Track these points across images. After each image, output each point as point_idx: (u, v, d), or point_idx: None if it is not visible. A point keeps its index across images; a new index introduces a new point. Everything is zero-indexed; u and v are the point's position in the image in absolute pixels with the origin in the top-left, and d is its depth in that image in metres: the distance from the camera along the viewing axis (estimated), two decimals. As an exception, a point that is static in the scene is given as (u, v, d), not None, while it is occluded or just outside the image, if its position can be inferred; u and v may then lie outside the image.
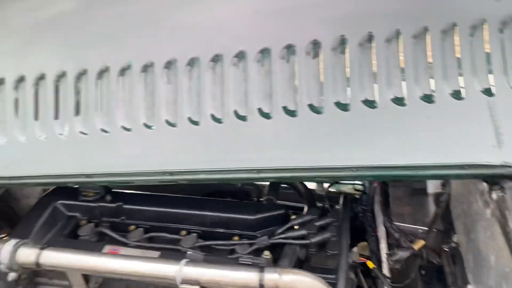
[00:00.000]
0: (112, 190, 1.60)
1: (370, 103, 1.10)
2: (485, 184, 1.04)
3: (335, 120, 1.10)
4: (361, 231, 1.59)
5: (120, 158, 1.24)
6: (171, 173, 1.19)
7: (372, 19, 1.12)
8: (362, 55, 1.12)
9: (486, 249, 1.06)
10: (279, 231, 1.37)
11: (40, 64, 1.28)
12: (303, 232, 1.36)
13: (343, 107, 1.11)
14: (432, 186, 1.49)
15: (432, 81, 1.07)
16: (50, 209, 1.55)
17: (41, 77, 1.28)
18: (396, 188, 1.63)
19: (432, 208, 1.49)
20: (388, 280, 1.36)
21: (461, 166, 1.00)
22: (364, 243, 1.58)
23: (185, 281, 1.13)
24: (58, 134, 1.28)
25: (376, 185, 1.62)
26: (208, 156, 1.18)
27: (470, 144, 1.03)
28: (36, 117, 1.30)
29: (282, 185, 1.68)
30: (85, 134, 1.26)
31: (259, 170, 1.12)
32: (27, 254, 1.22)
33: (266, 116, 1.15)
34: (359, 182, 1.87)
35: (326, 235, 1.35)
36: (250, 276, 1.11)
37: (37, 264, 1.21)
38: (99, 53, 1.26)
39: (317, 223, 1.38)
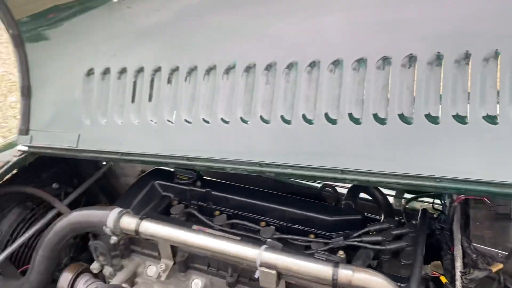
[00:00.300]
0: (203, 177, 1.76)
1: (460, 119, 1.12)
2: None
3: (423, 131, 1.14)
4: (436, 249, 1.59)
5: (217, 146, 1.38)
6: (260, 165, 1.30)
7: (471, 39, 1.15)
8: (457, 72, 1.15)
9: None
10: (355, 234, 1.43)
11: (158, 58, 1.47)
12: (379, 238, 1.40)
13: (433, 119, 1.15)
14: (517, 210, 1.47)
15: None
16: (148, 187, 1.74)
17: (158, 70, 1.47)
18: (478, 210, 1.60)
19: (515, 234, 1.46)
20: (461, 299, 1.35)
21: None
22: (437, 262, 1.58)
23: (263, 264, 1.22)
24: (167, 120, 1.45)
25: (457, 205, 1.61)
26: (296, 152, 1.27)
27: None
28: (149, 104, 1.48)
29: (360, 194, 1.73)
30: (189, 122, 1.42)
31: (343, 171, 1.20)
32: (129, 222, 1.40)
33: (356, 121, 1.22)
34: (438, 202, 1.86)
35: (401, 243, 1.38)
36: (324, 269, 1.17)
37: (136, 232, 1.38)
38: (209, 53, 1.41)
39: (393, 232, 1.42)
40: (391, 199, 1.90)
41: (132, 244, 1.58)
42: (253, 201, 1.61)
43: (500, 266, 1.37)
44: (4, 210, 1.76)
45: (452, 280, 1.40)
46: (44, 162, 1.84)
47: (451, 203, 1.65)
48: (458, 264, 1.45)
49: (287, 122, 1.31)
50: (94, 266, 1.55)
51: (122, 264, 1.55)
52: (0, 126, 5.16)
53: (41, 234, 1.67)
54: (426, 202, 1.99)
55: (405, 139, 1.16)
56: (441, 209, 1.80)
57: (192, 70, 1.42)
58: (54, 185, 1.95)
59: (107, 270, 1.54)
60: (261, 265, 1.22)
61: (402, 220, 1.57)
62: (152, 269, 1.54)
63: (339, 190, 1.80)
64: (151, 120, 1.47)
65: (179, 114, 1.43)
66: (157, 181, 1.75)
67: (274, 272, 1.21)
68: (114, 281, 1.48)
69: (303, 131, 1.28)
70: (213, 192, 1.67)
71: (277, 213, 1.57)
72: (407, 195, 1.92)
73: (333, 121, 1.25)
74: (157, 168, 1.88)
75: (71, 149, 1.55)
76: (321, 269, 1.18)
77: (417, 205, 1.91)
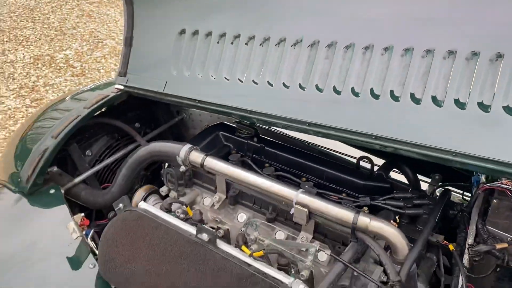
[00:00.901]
0: (260, 135, 2.05)
1: (484, 107, 1.33)
2: None
3: (449, 113, 1.36)
4: (454, 229, 1.79)
5: (275, 105, 1.66)
6: (308, 124, 1.57)
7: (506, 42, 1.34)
8: (489, 68, 1.34)
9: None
10: (381, 198, 1.66)
11: (238, 26, 1.76)
12: (401, 203, 1.62)
13: (460, 105, 1.36)
14: (537, 206, 1.63)
15: None
16: (213, 136, 2.06)
17: (237, 36, 1.77)
18: (499, 201, 1.77)
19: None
20: (465, 268, 1.55)
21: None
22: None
23: (298, 203, 1.50)
24: (238, 79, 1.75)
25: (480, 192, 1.79)
26: (340, 117, 1.52)
27: None
28: (226, 63, 1.78)
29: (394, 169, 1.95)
30: (256, 83, 1.71)
31: (376, 137, 1.44)
32: (196, 156, 1.72)
33: (396, 98, 1.45)
34: (468, 194, 2.04)
35: (419, 211, 1.60)
36: (347, 214, 1.43)
37: (201, 165, 1.70)
38: (282, 27, 1.68)
39: (415, 201, 1.64)
40: (425, 186, 2.10)
41: (195, 177, 1.91)
42: (298, 159, 1.89)
43: (505, 245, 1.55)
44: (97, 136, 2.16)
45: (461, 254, 1.61)
46: (131, 104, 2.22)
47: (476, 191, 1.84)
48: (469, 240, 1.66)
49: (337, 92, 1.56)
50: (163, 189, 1.90)
51: (185, 191, 1.89)
52: (86, 77, 5.77)
53: (122, 160, 2.05)
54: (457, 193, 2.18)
55: (433, 117, 1.38)
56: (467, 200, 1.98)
57: (265, 39, 1.70)
58: (136, 125, 2.33)
59: (172, 194, 1.88)
60: (296, 203, 1.50)
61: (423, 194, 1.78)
62: (207, 200, 1.86)
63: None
64: (225, 78, 1.78)
65: (249, 75, 1.72)
66: (221, 132, 2.07)
67: (306, 210, 1.48)
68: (143, 204, 1.79)
69: (349, 101, 1.53)
70: (266, 148, 1.96)
71: (317, 172, 1.84)
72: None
73: (376, 96, 1.49)
74: (221, 122, 2.20)
75: (159, 92, 1.90)
76: (344, 213, 1.43)
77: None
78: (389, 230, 1.39)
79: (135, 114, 2.34)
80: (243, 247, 1.45)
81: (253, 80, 1.72)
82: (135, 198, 1.89)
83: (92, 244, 1.64)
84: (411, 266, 1.38)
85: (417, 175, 1.95)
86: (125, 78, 2.00)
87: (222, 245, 1.43)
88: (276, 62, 1.69)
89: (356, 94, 1.53)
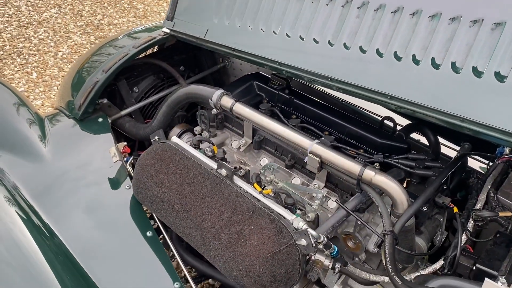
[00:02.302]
0: (291, 87, 2.16)
1: (500, 77, 1.35)
2: None
3: (466, 80, 1.39)
4: (467, 194, 1.85)
5: (304, 59, 1.74)
6: (331, 80, 1.65)
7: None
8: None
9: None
10: (395, 157, 1.74)
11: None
12: (412, 163, 1.70)
13: (477, 73, 1.39)
14: (550, 182, 1.65)
15: None
16: (247, 84, 2.19)
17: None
18: (524, 172, 1.79)
19: (542, 198, 1.65)
20: (469, 232, 1.62)
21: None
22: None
23: (312, 152, 1.62)
24: (273, 32, 1.84)
25: (499, 163, 1.82)
26: (361, 75, 1.59)
27: None
28: (263, 16, 1.88)
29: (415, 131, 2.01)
30: (288, 36, 1.80)
31: (391, 97, 1.51)
32: (227, 101, 1.87)
33: (417, 62, 1.50)
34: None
35: (429, 172, 1.67)
36: (354, 166, 1.53)
37: (230, 109, 1.85)
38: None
39: (427, 163, 1.71)
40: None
41: (226, 121, 2.07)
42: (323, 113, 1.99)
43: (509, 213, 1.61)
44: (145, 75, 2.36)
45: (468, 218, 1.68)
46: (178, 48, 2.38)
47: (496, 161, 1.86)
48: (477, 206, 1.71)
49: (363, 51, 1.62)
50: (197, 129, 2.09)
51: (216, 133, 2.06)
52: (147, 19, 6.00)
53: (165, 99, 2.25)
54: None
55: (449, 83, 1.42)
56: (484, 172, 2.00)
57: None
58: (181, 68, 2.50)
59: (204, 134, 2.06)
60: (310, 152, 1.63)
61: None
62: (235, 143, 2.02)
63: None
64: (261, 29, 1.88)
65: (283, 28, 1.81)
66: (255, 82, 2.19)
67: (318, 159, 1.61)
68: (175, 138, 1.95)
69: (372, 61, 1.59)
70: (295, 100, 2.07)
71: (340, 127, 1.93)
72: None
73: (398, 58, 1.55)
74: (257, 72, 2.32)
75: (200, 38, 2.04)
76: (352, 165, 1.54)
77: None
78: (391, 185, 1.49)
79: (181, 57, 2.50)
80: (255, 185, 1.61)
81: (286, 34, 1.81)
82: (171, 133, 2.10)
83: (130, 168, 1.87)
84: (407, 220, 1.48)
85: (439, 139, 1.99)
86: (171, 23, 2.15)
87: (238, 181, 1.60)
88: (309, 17, 1.76)
89: (380, 55, 1.58)
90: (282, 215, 1.46)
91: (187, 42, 2.19)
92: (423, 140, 2.13)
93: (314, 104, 2.04)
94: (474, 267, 1.53)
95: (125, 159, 1.91)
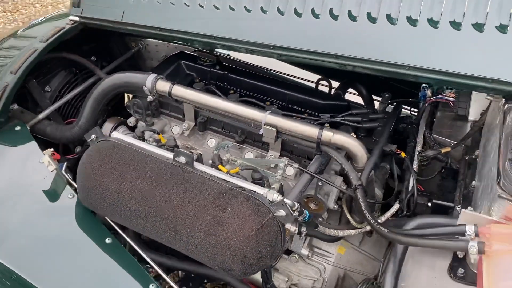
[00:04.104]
0: (221, 63, 2.09)
1: (433, 23, 1.45)
2: (503, 100, 1.39)
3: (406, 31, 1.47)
4: (404, 139, 1.98)
5: (238, 30, 1.68)
6: (273, 47, 1.63)
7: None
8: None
9: (490, 150, 1.43)
10: (341, 115, 1.80)
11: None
12: (358, 118, 1.77)
13: (412, 22, 1.47)
14: (472, 114, 1.82)
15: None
16: (175, 65, 2.08)
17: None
18: (443, 112, 1.96)
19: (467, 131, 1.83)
20: (415, 172, 1.75)
21: (487, 79, 1.34)
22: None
23: (267, 123, 1.60)
24: (198, 5, 1.75)
25: (427, 105, 1.97)
26: (302, 39, 1.59)
27: (501, 67, 1.35)
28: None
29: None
30: (217, 8, 1.72)
31: (337, 56, 1.54)
32: (163, 85, 1.75)
33: (353, 18, 1.54)
34: (415, 110, 2.23)
35: (374, 124, 1.76)
36: (312, 130, 1.55)
37: (169, 93, 1.74)
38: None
39: (370, 116, 1.79)
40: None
41: (161, 107, 1.94)
42: (261, 84, 1.96)
43: (448, 149, 1.77)
44: (54, 71, 2.11)
45: (411, 160, 1.80)
46: (85, 37, 2.15)
47: (423, 104, 2.02)
48: (418, 148, 1.85)
49: (298, 15, 1.62)
50: (131, 120, 1.93)
51: (153, 121, 1.93)
52: (20, 13, 5.37)
53: (84, 95, 2.04)
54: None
55: (388, 35, 1.49)
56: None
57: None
58: (93, 58, 2.28)
59: (140, 125, 1.92)
60: (265, 124, 1.60)
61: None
62: (176, 129, 1.92)
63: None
64: (185, 4, 1.77)
65: (209, 1, 1.73)
66: (183, 61, 2.09)
67: (274, 129, 1.59)
68: (117, 133, 1.82)
69: (310, 23, 1.60)
70: (229, 75, 2.01)
71: (280, 95, 1.93)
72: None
73: (335, 17, 1.57)
74: (181, 51, 2.20)
75: (117, 22, 1.86)
76: (310, 130, 1.56)
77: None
78: (350, 142, 1.54)
79: (90, 47, 2.28)
80: (220, 166, 1.55)
81: (214, 5, 1.73)
82: (103, 130, 1.92)
83: (67, 175, 1.68)
84: (370, 171, 1.55)
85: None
86: (79, 9, 1.93)
87: (199, 166, 1.52)
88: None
89: (316, 16, 1.59)
90: (254, 191, 1.43)
91: (95, 30, 1.99)
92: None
93: (250, 76, 2.01)
94: (430, 204, 1.67)
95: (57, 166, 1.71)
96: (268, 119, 1.60)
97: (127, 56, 2.38)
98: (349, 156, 1.58)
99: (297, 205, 1.44)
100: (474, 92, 1.77)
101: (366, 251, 1.95)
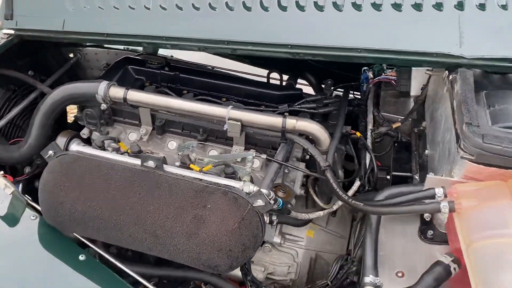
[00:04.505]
0: (170, 63, 2.07)
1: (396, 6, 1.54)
2: (446, 72, 1.52)
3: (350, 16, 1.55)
4: (355, 120, 2.09)
5: (188, 29, 1.68)
6: (227, 42, 1.64)
7: None
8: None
9: (440, 118, 1.55)
10: (297, 103, 1.86)
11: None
12: (314, 105, 1.84)
13: (357, 7, 1.56)
14: (414, 89, 1.97)
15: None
16: (122, 71, 2.02)
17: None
18: (386, 91, 2.10)
19: (411, 106, 1.98)
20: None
21: (432, 54, 1.46)
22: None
23: (231, 118, 1.62)
24: (144, 6, 1.72)
25: (371, 86, 2.09)
26: (255, 33, 1.62)
27: (442, 41, 1.48)
28: None
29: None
30: (165, 9, 1.70)
31: (292, 46, 1.58)
32: (117, 91, 1.70)
33: (301, 8, 1.60)
34: (357, 93, 2.36)
35: (329, 108, 1.84)
36: (276, 119, 1.59)
37: (125, 99, 1.70)
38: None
39: (324, 101, 1.87)
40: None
41: (115, 115, 1.89)
42: (214, 81, 1.97)
43: (398, 124, 1.90)
44: (-10, 90, 1.97)
45: (365, 139, 1.91)
46: (19, 51, 2.03)
47: (367, 85, 2.14)
48: (370, 126, 1.96)
49: (248, 8, 1.64)
50: (84, 132, 1.86)
51: (108, 130, 1.87)
52: None
53: (27, 112, 1.93)
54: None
55: (336, 22, 1.57)
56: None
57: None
58: (30, 72, 2.15)
59: (95, 136, 1.85)
60: (229, 119, 1.62)
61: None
62: (132, 135, 1.87)
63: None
64: (130, 6, 1.73)
65: (155, 2, 1.71)
66: (130, 66, 2.04)
67: (239, 123, 1.61)
68: (75, 146, 1.74)
69: (260, 15, 1.63)
70: (181, 75, 2.00)
71: (235, 90, 1.95)
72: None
73: (283, 8, 1.62)
74: (126, 56, 2.15)
75: (59, 31, 1.78)
76: (274, 120, 1.60)
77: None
78: (313, 126, 1.60)
79: (26, 61, 2.14)
80: (192, 165, 1.54)
81: (160, 5, 1.71)
82: (56, 145, 1.82)
83: (26, 197, 1.59)
84: (335, 152, 1.62)
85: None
86: (13, 21, 1.82)
87: (170, 168, 1.50)
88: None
89: (265, 9, 1.63)
90: (230, 186, 1.45)
91: (29, 43, 1.89)
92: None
93: (201, 75, 2.01)
94: (389, 176, 1.78)
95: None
96: (231, 114, 1.61)
97: (67, 67, 2.27)
98: (313, 141, 1.64)
99: (272, 193, 1.48)
100: (413, 69, 1.92)
101: (332, 230, 2.04)
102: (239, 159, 1.69)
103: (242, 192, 1.43)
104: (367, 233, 1.41)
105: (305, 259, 1.98)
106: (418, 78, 1.93)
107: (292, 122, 1.59)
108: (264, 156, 1.67)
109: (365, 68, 2.20)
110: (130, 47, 2.35)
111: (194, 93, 1.96)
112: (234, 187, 1.44)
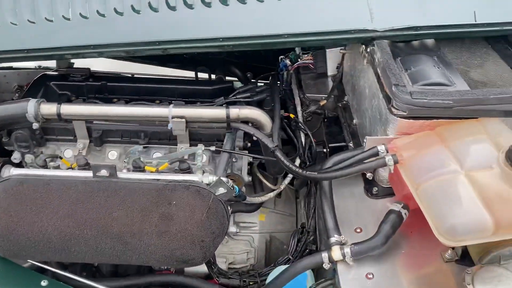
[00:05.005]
0: (94, 74, 2.02)
1: None
2: (363, 46, 1.70)
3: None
4: (284, 105, 2.22)
5: (101, 36, 1.66)
6: (158, 43, 1.66)
7: None
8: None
9: (363, 88, 1.73)
10: (231, 95, 1.93)
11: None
12: (248, 94, 1.93)
13: None
14: (330, 69, 2.15)
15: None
16: (43, 88, 1.92)
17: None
18: (305, 75, 2.26)
19: (331, 85, 2.16)
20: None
21: (349, 31, 1.63)
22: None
23: (175, 116, 1.64)
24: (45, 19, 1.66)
25: (292, 72, 2.24)
26: (183, 30, 1.66)
27: (356, 19, 1.65)
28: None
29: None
30: (86, 18, 1.67)
31: (223, 39, 1.65)
32: (49, 108, 1.63)
33: (224, 2, 1.67)
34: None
35: (263, 95, 1.94)
36: (220, 111, 1.65)
37: (59, 114, 1.63)
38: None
39: (256, 89, 1.97)
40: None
41: (46, 134, 1.79)
42: (145, 85, 1.97)
43: (324, 102, 2.07)
44: None
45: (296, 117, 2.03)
46: None
47: (288, 72, 2.28)
48: (299, 108, 2.11)
49: (172, 8, 1.68)
50: (16, 156, 1.74)
51: (41, 151, 1.77)
52: None
53: None
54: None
55: (260, 12, 1.67)
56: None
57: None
58: None
59: (29, 158, 1.75)
60: (173, 118, 1.64)
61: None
62: (69, 152, 1.80)
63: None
64: (47, 19, 1.67)
65: (74, 12, 1.66)
66: (52, 83, 1.95)
67: (183, 120, 1.64)
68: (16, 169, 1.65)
69: (185, 14, 1.67)
70: (108, 84, 1.96)
71: (168, 91, 1.97)
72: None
73: (208, 4, 1.68)
74: (44, 73, 2.04)
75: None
76: (218, 112, 1.66)
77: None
78: (256, 112, 1.69)
79: None
80: (147, 167, 1.54)
81: (81, 14, 1.67)
82: (-15, 176, 1.69)
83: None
84: (279, 133, 1.73)
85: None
86: None
87: (124, 174, 1.49)
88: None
89: (190, 6, 1.67)
90: (189, 180, 1.48)
91: None
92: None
93: (131, 80, 1.99)
94: (327, 149, 1.93)
95: None
96: (175, 112, 1.63)
97: (-25, 93, 2.10)
98: (256, 126, 1.72)
99: (230, 181, 1.53)
100: (327, 50, 2.09)
101: (281, 210, 2.15)
102: (186, 156, 1.72)
103: (203, 184, 1.47)
104: (323, 199, 1.52)
105: (261, 243, 2.06)
106: (332, 58, 2.11)
107: (235, 111, 1.66)
108: (213, 148, 1.71)
109: (281, 57, 2.34)
110: (43, 65, 2.23)
111: (125, 100, 1.94)
112: (193, 180, 1.47)
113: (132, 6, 1.67)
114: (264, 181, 1.90)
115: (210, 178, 1.49)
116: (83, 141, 1.78)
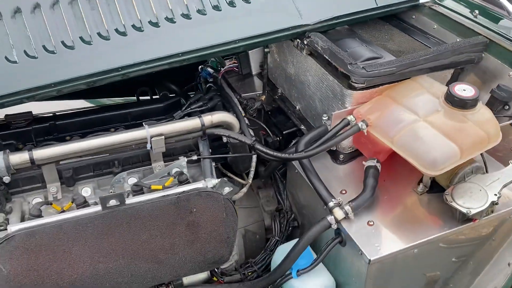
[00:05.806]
0: (37, 117, 1.90)
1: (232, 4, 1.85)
2: (298, 40, 1.95)
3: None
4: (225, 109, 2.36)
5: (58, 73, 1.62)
6: (121, 68, 1.67)
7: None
8: None
9: (304, 75, 1.99)
10: (184, 107, 2.00)
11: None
12: (200, 103, 2.03)
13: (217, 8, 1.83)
14: (254, 69, 2.37)
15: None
16: (-16, 142, 1.75)
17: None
18: (231, 78, 2.43)
19: (258, 82, 2.39)
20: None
21: (287, 29, 1.87)
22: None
23: (153, 136, 1.68)
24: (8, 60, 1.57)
25: (220, 77, 2.39)
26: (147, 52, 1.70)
27: (289, 18, 1.90)
28: None
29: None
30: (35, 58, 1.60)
31: (183, 53, 1.74)
32: (19, 156, 1.53)
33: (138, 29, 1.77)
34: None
35: (215, 101, 2.07)
36: (195, 121, 1.74)
37: (32, 160, 1.54)
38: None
39: (206, 96, 2.09)
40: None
41: (10, 188, 1.66)
42: (95, 115, 1.93)
43: (264, 97, 2.29)
44: None
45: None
46: None
47: (216, 78, 2.42)
48: (240, 108, 2.28)
49: (122, 34, 1.71)
50: (-14, 218, 1.58)
51: (10, 207, 1.63)
52: None
53: None
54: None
55: (213, 23, 1.80)
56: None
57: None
58: None
59: (1, 217, 1.60)
60: (152, 137, 1.68)
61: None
62: (37, 200, 1.68)
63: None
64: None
65: (20, 54, 1.58)
66: (-8, 136, 1.78)
67: (162, 137, 1.69)
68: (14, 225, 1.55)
69: (136, 38, 1.72)
70: (57, 122, 1.87)
71: (120, 117, 1.96)
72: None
73: (155, 24, 1.75)
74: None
75: None
76: (193, 122, 1.75)
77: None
78: (226, 115, 1.83)
79: None
80: (153, 186, 1.56)
81: (28, 55, 1.59)
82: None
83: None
84: (248, 130, 1.88)
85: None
86: None
87: (133, 199, 1.49)
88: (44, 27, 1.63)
89: (156, 25, 1.72)
90: (195, 188, 1.55)
91: None
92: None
93: (78, 114, 1.92)
94: (280, 137, 2.15)
95: None
96: (152, 132, 1.67)
97: None
98: (227, 128, 1.85)
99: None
100: (250, 52, 2.31)
101: (246, 204, 2.30)
102: (173, 171, 1.75)
103: (209, 188, 1.56)
104: (309, 175, 1.74)
105: (239, 239, 2.18)
106: (255, 58, 2.34)
107: (208, 118, 1.77)
108: (195, 157, 1.79)
109: (201, 66, 2.48)
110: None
111: (78, 135, 1.88)
112: (200, 187, 1.56)
113: (81, 38, 1.66)
114: (236, 178, 2.03)
115: (213, 182, 1.58)
116: (55, 184, 1.69)
